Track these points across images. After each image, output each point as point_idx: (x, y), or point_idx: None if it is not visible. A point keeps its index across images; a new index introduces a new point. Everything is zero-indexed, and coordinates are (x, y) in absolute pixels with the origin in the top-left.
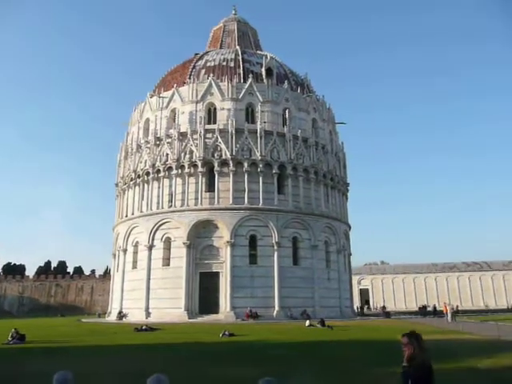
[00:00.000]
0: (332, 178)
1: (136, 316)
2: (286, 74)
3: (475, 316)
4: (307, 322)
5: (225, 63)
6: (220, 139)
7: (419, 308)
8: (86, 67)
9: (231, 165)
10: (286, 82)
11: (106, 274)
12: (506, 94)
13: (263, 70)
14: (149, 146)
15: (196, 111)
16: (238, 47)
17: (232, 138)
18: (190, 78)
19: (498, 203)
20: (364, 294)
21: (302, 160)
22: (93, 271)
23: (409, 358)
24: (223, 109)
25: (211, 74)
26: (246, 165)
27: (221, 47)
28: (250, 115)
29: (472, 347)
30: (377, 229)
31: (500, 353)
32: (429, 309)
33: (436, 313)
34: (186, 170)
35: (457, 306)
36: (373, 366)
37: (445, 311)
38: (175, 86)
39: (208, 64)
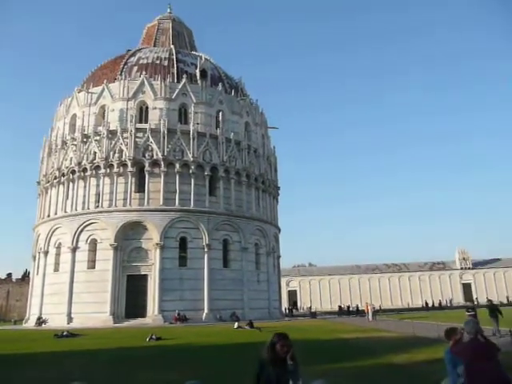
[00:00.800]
0: (263, 181)
1: (57, 322)
2: (221, 76)
3: (394, 314)
4: (236, 324)
5: (158, 62)
6: (151, 139)
7: (339, 307)
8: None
9: (162, 165)
10: (220, 84)
11: (25, 277)
12: (434, 90)
13: (197, 71)
14: (75, 143)
15: (127, 109)
16: (172, 46)
17: (164, 138)
18: (121, 75)
19: (415, 211)
20: (292, 295)
21: (234, 163)
22: (9, 275)
23: (292, 356)
24: (155, 108)
25: (144, 72)
26: (177, 166)
27: (154, 45)
28: (183, 116)
29: (389, 344)
30: (306, 232)
31: (414, 348)
32: (352, 308)
33: (358, 312)
34: (115, 170)
35: (380, 306)
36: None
37: (366, 310)
38: (105, 81)
39: (141, 61)
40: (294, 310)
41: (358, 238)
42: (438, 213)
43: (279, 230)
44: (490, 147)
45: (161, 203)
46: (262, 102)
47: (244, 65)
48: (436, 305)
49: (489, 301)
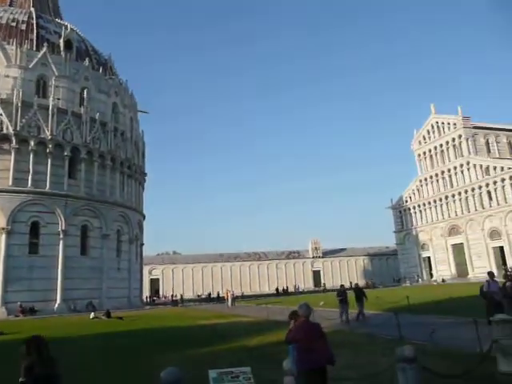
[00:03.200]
0: (129, 166)
1: None
2: (88, 50)
3: (252, 300)
4: (92, 314)
5: (14, 24)
6: (1, 110)
7: (197, 295)
8: None
9: (14, 141)
10: (87, 59)
11: None
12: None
13: (61, 42)
14: None
15: None
16: (32, 9)
17: (17, 111)
18: None
19: (270, 203)
20: (155, 283)
21: (98, 145)
22: None
23: (26, 369)
24: (8, 76)
25: None
26: (32, 143)
27: (11, 5)
28: (41, 89)
29: (245, 328)
30: (172, 220)
31: (266, 331)
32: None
33: (219, 299)
34: None
35: (243, 293)
36: (152, 354)
37: (226, 297)
38: None
39: None
40: (155, 299)
41: (224, 228)
42: (297, 205)
43: (144, 217)
44: (347, 151)
45: (10, 183)
46: (133, 84)
47: (114, 43)
48: (291, 290)
49: (355, 284)
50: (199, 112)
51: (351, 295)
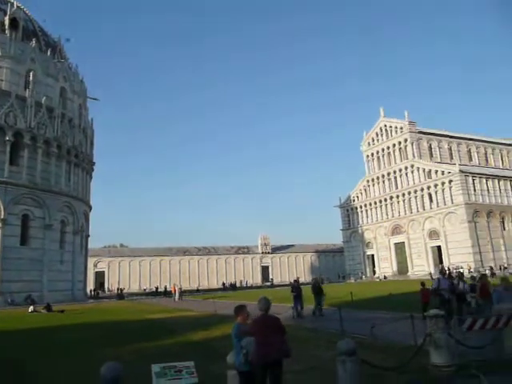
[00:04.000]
0: (77, 154)
1: None
2: (36, 31)
3: (200, 295)
4: (30, 308)
5: None
6: None
7: (144, 289)
8: None
9: None
10: (34, 40)
11: None
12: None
13: (7, 19)
14: None
15: None
16: None
17: None
18: None
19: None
20: (100, 276)
21: (43, 130)
22: None
23: None
24: None
25: None
26: None
27: None
28: None
29: (191, 323)
30: (119, 211)
31: (213, 326)
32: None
33: (166, 293)
34: None
35: (197, 288)
36: (93, 349)
37: (173, 291)
38: None
39: None
40: (99, 292)
41: (174, 222)
42: (248, 201)
43: (90, 207)
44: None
45: None
46: (85, 69)
47: (69, 25)
48: (239, 285)
49: (314, 279)
50: (152, 103)
51: (307, 290)
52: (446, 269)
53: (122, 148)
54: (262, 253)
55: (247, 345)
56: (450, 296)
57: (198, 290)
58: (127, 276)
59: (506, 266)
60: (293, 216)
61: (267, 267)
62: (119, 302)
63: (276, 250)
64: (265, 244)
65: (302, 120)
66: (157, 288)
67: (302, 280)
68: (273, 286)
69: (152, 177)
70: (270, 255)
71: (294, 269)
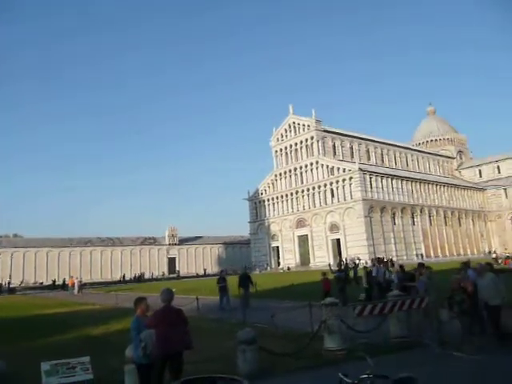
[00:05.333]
0: None
1: None
2: None
3: (103, 288)
4: None
5: None
6: None
7: (40, 283)
8: None
9: None
10: None
11: None
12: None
13: None
14: None
15: None
16: None
17: None
18: None
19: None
20: None
21: None
22: None
23: None
24: None
25: None
26: None
27: None
28: None
29: (92, 317)
30: (12, 199)
31: (113, 319)
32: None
33: (65, 286)
34: None
35: (105, 280)
36: None
37: (70, 284)
38: None
39: None
40: None
41: (76, 211)
42: (156, 192)
43: None
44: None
45: None
46: None
47: None
48: (146, 277)
49: (243, 269)
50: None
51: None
52: (344, 260)
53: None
54: (169, 244)
55: (146, 337)
56: (383, 283)
57: (100, 283)
58: (21, 268)
59: (391, 257)
60: (203, 208)
61: (174, 259)
62: (11, 297)
63: (184, 241)
64: (172, 235)
65: (217, 114)
66: (54, 281)
67: (208, 271)
68: (179, 277)
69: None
70: (177, 246)
71: (201, 260)
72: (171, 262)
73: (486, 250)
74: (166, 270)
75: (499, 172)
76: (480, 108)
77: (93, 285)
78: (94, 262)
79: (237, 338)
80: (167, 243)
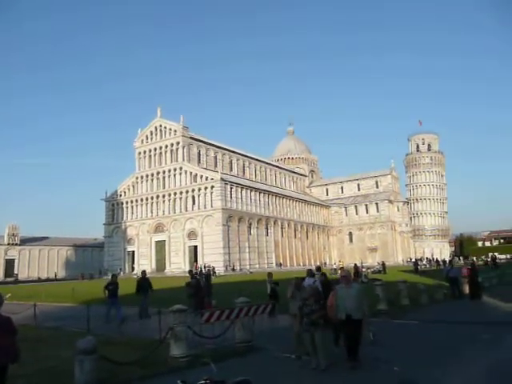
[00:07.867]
0: None
1: None
2: None
3: None
4: None
5: None
6: None
7: None
8: None
9: None
10: None
11: None
12: None
13: None
14: None
15: None
16: None
17: None
18: None
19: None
20: None
21: None
22: None
23: None
24: None
25: None
26: None
27: None
28: None
29: None
30: None
31: None
32: None
33: None
34: None
35: None
36: None
37: None
38: None
39: None
40: None
41: None
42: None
43: None
44: None
45: None
46: None
47: None
48: None
49: (143, 272)
50: None
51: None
52: (199, 267)
53: None
54: (9, 244)
55: None
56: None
57: None
58: None
59: (240, 267)
60: (51, 206)
61: (13, 261)
62: None
63: (26, 241)
64: (13, 234)
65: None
66: None
67: (54, 276)
68: (17, 281)
69: None
70: (18, 247)
71: (46, 263)
72: (9, 264)
73: (328, 261)
74: (1, 273)
75: (342, 192)
76: (329, 131)
77: None
78: None
79: (76, 348)
80: (6, 243)
